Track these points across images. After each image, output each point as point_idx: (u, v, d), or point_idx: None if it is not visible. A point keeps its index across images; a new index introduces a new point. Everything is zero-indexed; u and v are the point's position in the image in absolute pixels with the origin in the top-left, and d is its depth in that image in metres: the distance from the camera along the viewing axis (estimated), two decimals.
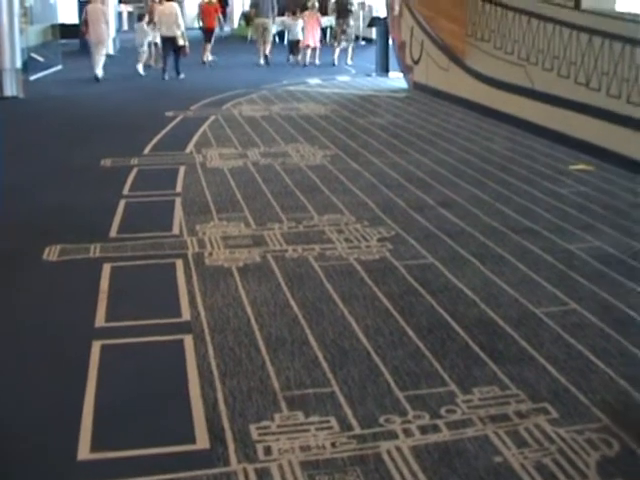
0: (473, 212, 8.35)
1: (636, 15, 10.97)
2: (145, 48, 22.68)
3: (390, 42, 20.42)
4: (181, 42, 20.89)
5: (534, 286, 6.29)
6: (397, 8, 18.85)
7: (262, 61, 24.70)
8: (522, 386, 4.66)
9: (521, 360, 5.00)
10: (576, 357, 5.06)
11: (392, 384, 4.69)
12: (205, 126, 13.58)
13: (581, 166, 10.48)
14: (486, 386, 4.67)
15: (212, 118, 14.39)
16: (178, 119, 14.36)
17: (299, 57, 25.12)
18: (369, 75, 21.29)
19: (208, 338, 5.31)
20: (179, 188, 9.41)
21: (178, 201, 8.79)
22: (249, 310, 5.78)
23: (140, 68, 22.01)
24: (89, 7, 20.73)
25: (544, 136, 12.11)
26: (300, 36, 25.06)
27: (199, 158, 11.04)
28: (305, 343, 5.23)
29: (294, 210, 8.38)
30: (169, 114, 14.75)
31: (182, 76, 21.05)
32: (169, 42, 20.96)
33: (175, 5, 21.50)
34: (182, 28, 20.98)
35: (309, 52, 24.92)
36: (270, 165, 10.58)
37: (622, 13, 11.34)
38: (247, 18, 33.06)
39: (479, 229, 7.75)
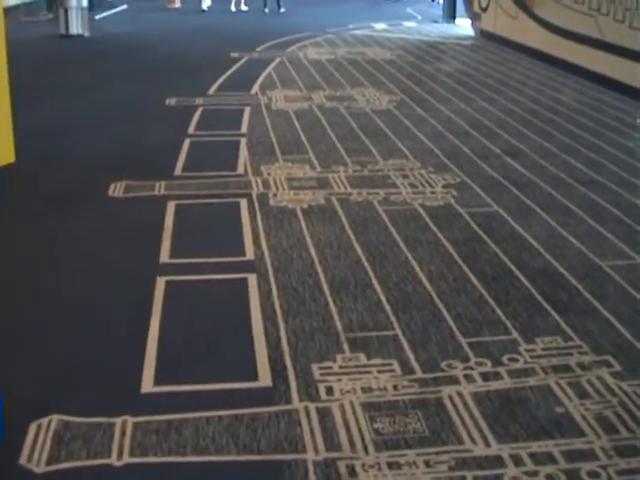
0: (539, 163, 8.24)
1: None
2: None
3: None
4: None
5: (600, 239, 6.20)
6: None
7: None
8: (585, 338, 4.62)
9: (585, 312, 4.95)
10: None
11: (455, 330, 4.67)
12: (270, 68, 13.54)
13: None
14: (549, 336, 4.63)
15: (277, 60, 14.34)
16: (243, 60, 14.33)
17: None
18: (436, 21, 21.04)
19: (272, 278, 5.33)
20: (244, 129, 9.42)
21: (243, 142, 8.80)
22: (313, 251, 5.79)
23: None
24: None
25: (613, 88, 11.88)
26: None
27: (264, 100, 11.03)
28: (368, 286, 5.23)
29: (359, 154, 8.35)
30: (234, 55, 14.73)
31: (283, 10, 23.64)
32: None
33: None
34: None
35: None
36: (335, 108, 10.54)
37: None
38: None
39: (545, 180, 7.66)
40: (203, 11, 23.59)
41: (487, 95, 11.59)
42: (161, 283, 5.25)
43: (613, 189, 7.45)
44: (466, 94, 11.62)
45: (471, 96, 11.49)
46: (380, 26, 20.04)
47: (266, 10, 23.63)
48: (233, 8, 23.88)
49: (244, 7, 24.25)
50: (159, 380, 4.14)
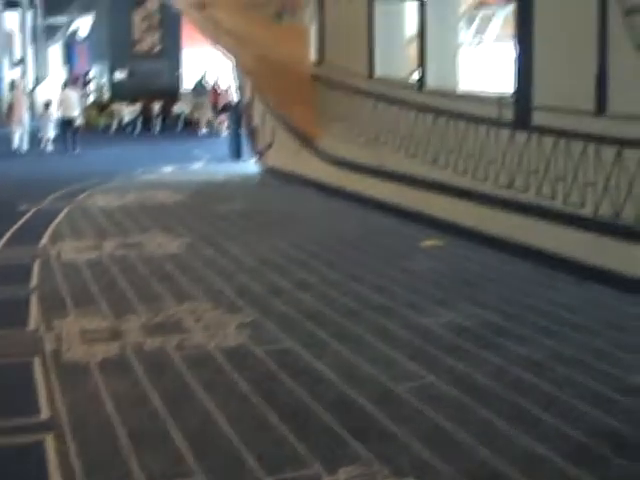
0: (329, 293, 8.47)
1: (477, 94, 11.47)
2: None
3: (242, 127, 20.67)
4: (78, 122, 24.67)
5: (392, 362, 6.41)
6: (249, 93, 19.12)
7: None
8: (386, 462, 4.72)
9: (383, 437, 5.07)
10: (436, 429, 5.17)
11: (257, 470, 4.68)
12: (60, 218, 13.38)
13: (432, 242, 10.78)
14: (350, 465, 4.71)
15: (67, 210, 14.21)
16: (31, 212, 14.11)
17: None
18: (223, 161, 21.43)
19: (69, 436, 5.20)
20: (34, 283, 9.24)
21: (34, 296, 8.63)
22: (109, 405, 5.70)
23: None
24: None
25: (396, 214, 12.42)
26: None
27: (54, 251, 10.87)
28: (167, 435, 5.19)
29: (151, 300, 8.34)
30: (22, 208, 14.50)
31: (78, 151, 24.02)
32: (69, 122, 24.34)
33: (74, 92, 25.80)
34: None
35: None
36: (126, 256, 10.51)
37: (464, 93, 11.82)
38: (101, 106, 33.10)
39: (336, 309, 7.87)
40: None
41: (275, 231, 11.88)
42: None
43: (401, 312, 7.73)
44: (255, 231, 11.87)
45: (260, 233, 11.74)
46: (169, 169, 20.23)
47: (76, 151, 24.08)
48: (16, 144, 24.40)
49: (50, 147, 24.76)
50: None
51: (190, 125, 30.84)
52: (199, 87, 31.14)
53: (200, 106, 30.36)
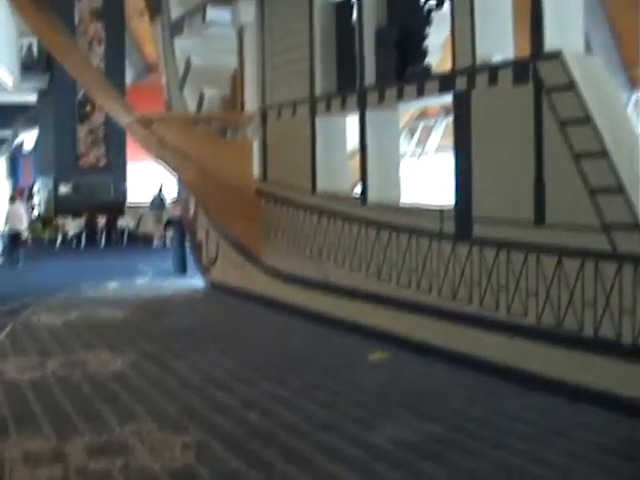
0: (276, 411, 8.40)
1: (419, 207, 11.67)
2: None
3: (187, 242, 20.73)
4: (25, 235, 25.44)
5: None
6: (192, 209, 19.23)
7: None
8: None
9: None
10: None
11: None
12: (1, 336, 13.21)
13: (378, 354, 10.80)
14: None
15: (9, 327, 14.03)
16: None
17: None
18: (167, 276, 21.39)
19: None
20: None
21: None
22: None
23: None
24: None
25: (341, 327, 12.46)
26: None
27: None
28: None
29: (95, 420, 8.20)
30: None
31: (20, 264, 24.29)
32: (16, 236, 24.82)
33: (21, 205, 26.41)
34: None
35: None
36: (70, 374, 10.36)
37: (406, 206, 12.02)
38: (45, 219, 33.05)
39: (283, 428, 7.81)
40: None
41: (220, 347, 11.81)
42: None
43: (348, 428, 7.69)
44: (200, 347, 11.79)
45: (205, 349, 11.66)
46: (113, 284, 20.12)
47: (19, 265, 24.34)
48: None
49: None
50: None
51: (135, 239, 30.88)
52: (157, 201, 31.18)
53: (158, 220, 30.39)
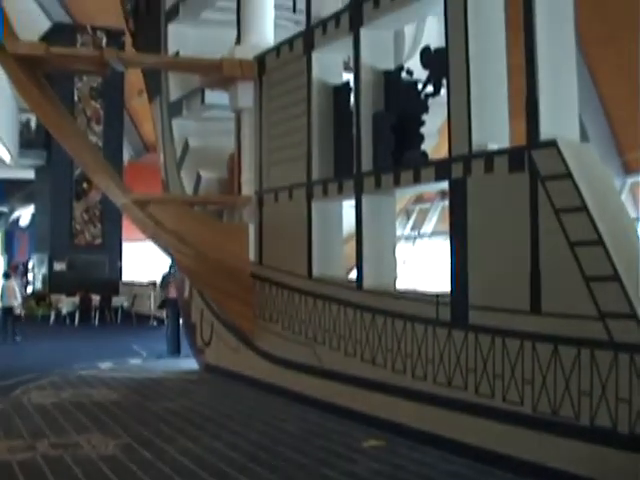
0: None
1: (414, 293, 11.65)
2: None
3: (181, 323, 20.67)
4: (18, 311, 25.99)
5: None
6: (187, 290, 19.20)
7: None
8: None
9: None
10: None
11: None
12: None
13: (373, 442, 10.69)
14: None
15: (0, 407, 13.90)
16: None
17: None
18: (161, 357, 21.27)
19: None
20: None
21: None
22: None
23: None
24: None
25: (336, 413, 12.35)
26: None
27: None
28: None
29: None
30: None
31: (18, 339, 25.01)
32: (10, 311, 25.43)
33: (16, 281, 27.28)
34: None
35: None
36: (60, 457, 10.22)
37: (402, 292, 12.00)
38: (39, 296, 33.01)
39: None
40: None
41: (213, 431, 11.68)
42: None
43: None
44: (192, 432, 11.65)
45: (197, 434, 11.53)
46: (106, 365, 19.98)
47: (17, 339, 25.10)
48: None
49: None
50: None
51: (130, 318, 30.79)
52: (166, 280, 31.07)
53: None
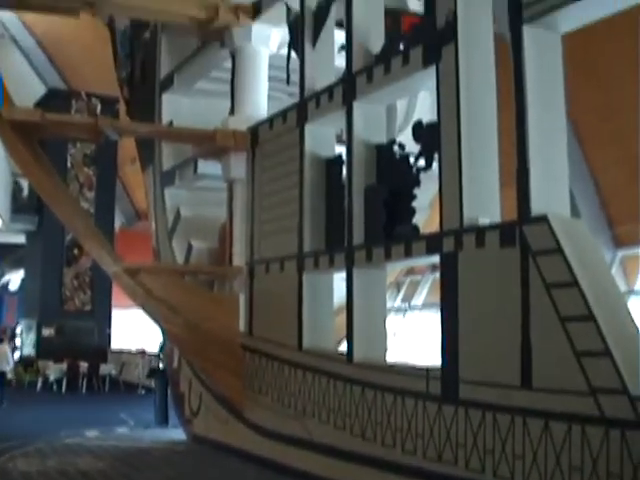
0: None
1: (405, 367, 11.61)
2: None
3: (169, 393, 20.50)
4: (9, 376, 26.57)
5: None
6: (176, 359, 19.08)
7: None
8: None
9: None
10: None
11: None
12: None
13: None
14: None
15: None
16: None
17: None
18: (148, 426, 21.06)
19: None
20: None
21: None
22: None
23: None
24: None
25: None
26: None
27: None
28: None
29: None
30: None
31: (5, 405, 24.79)
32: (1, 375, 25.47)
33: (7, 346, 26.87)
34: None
35: None
36: None
37: (392, 365, 11.95)
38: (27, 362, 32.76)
39: None
40: None
41: None
42: None
43: None
44: None
45: None
46: (93, 433, 19.77)
47: (3, 405, 24.82)
48: None
49: None
50: None
51: (118, 386, 30.55)
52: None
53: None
